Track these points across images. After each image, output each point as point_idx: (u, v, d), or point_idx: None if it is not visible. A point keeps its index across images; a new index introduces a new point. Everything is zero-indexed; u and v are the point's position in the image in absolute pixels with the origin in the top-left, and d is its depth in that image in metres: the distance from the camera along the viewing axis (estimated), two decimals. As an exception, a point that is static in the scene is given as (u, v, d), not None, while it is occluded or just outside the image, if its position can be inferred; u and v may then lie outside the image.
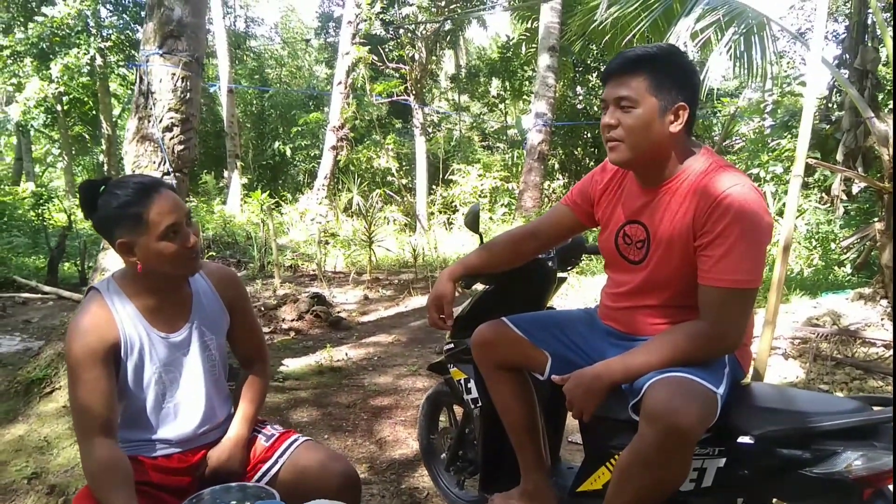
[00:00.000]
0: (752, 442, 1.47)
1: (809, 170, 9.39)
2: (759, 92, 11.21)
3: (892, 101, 6.73)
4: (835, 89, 10.38)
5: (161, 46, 3.69)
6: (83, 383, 1.50)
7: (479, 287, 2.31)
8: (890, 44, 4.30)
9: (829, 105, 10.78)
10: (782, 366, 4.19)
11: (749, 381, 1.75)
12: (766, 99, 10.92)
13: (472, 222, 2.24)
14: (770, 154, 9.16)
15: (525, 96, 17.68)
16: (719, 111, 14.22)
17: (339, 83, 13.05)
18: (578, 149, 17.14)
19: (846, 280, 7.14)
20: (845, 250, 7.73)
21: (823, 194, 9.63)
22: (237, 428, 1.74)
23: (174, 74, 3.70)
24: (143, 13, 3.80)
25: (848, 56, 7.64)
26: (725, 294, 1.50)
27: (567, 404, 1.63)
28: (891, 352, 3.94)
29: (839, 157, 8.79)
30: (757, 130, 11.03)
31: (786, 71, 14.45)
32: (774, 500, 1.56)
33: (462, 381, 2.25)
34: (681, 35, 5.13)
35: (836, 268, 7.76)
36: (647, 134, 1.56)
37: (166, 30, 3.68)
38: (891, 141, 4.00)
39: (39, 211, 7.93)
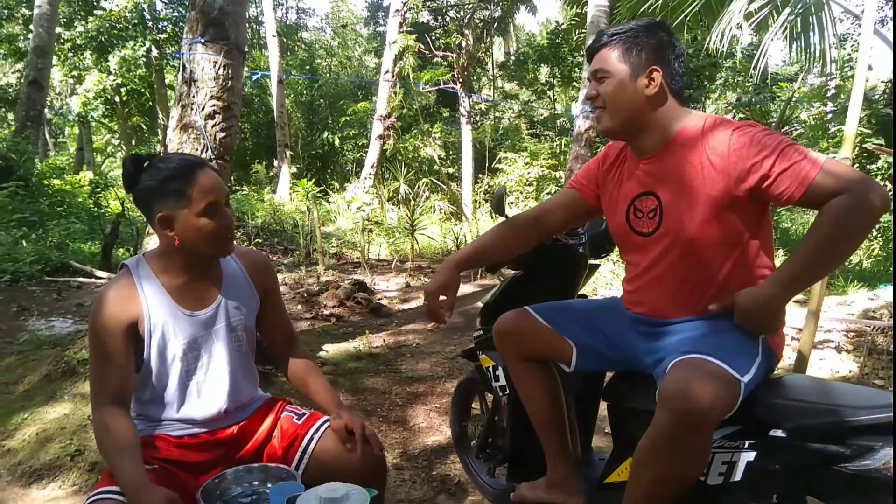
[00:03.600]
0: (784, 435, 1.39)
1: (872, 157, 8.97)
2: (821, 77, 10.75)
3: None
4: (893, 73, 9.88)
5: (203, 35, 3.73)
6: (100, 354, 1.55)
7: (509, 273, 2.27)
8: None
9: (895, 88, 10.26)
10: (835, 359, 4.02)
11: (790, 373, 1.67)
12: (828, 83, 10.47)
13: (499, 206, 2.20)
14: (830, 141, 8.78)
15: (574, 83, 17.39)
16: (778, 96, 13.71)
17: (387, 72, 13.10)
18: (629, 136, 16.76)
19: (908, 272, 6.80)
20: (908, 241, 7.38)
21: (887, 182, 9.20)
22: (337, 406, 1.76)
23: (216, 62, 3.74)
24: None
25: (915, 36, 7.23)
26: (823, 174, 1.40)
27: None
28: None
29: (904, 142, 8.37)
30: (817, 116, 10.58)
31: (850, 54, 13.82)
32: (808, 496, 1.48)
33: (490, 369, 2.22)
34: (734, 16, 4.94)
35: (897, 259, 7.40)
36: (623, 98, 1.63)
37: (208, 18, 3.72)
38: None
39: (96, 198, 8.20)
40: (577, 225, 2.11)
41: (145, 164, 1.61)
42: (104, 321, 1.55)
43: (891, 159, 8.37)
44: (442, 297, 1.87)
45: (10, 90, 18.69)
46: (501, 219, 2.20)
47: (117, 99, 16.61)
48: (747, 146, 1.47)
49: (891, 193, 7.72)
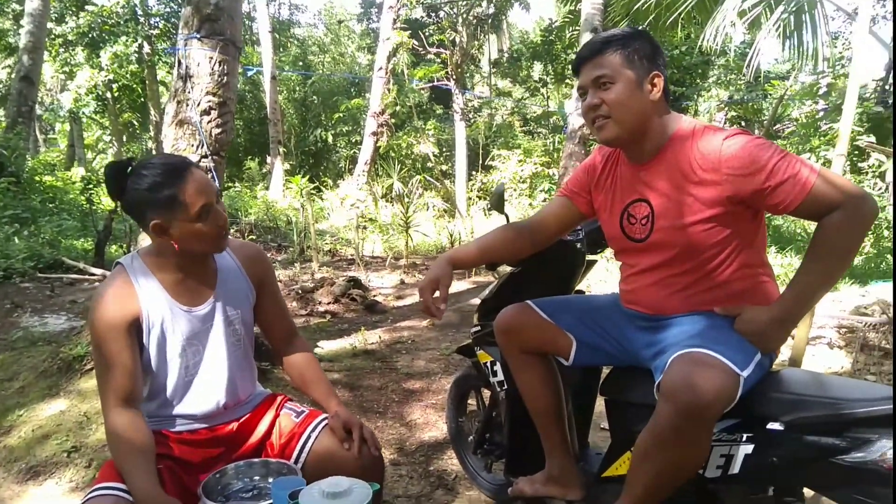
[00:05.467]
0: (782, 428, 1.41)
1: (863, 154, 9.03)
2: (813, 75, 10.80)
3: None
4: (892, 70, 9.94)
5: (199, 30, 3.72)
6: (105, 355, 1.53)
7: (506, 269, 2.28)
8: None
9: (886, 87, 10.34)
10: (827, 355, 4.06)
11: (785, 368, 1.68)
12: (820, 82, 10.51)
13: (497, 203, 2.20)
14: (821, 139, 8.83)
15: (568, 80, 17.43)
16: (770, 94, 13.78)
17: (380, 69, 13.09)
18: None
19: (899, 269, 6.84)
20: (899, 238, 7.42)
21: (878, 180, 9.27)
22: (336, 405, 1.77)
23: (211, 58, 3.73)
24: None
25: (906, 34, 7.28)
26: (818, 187, 1.42)
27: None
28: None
29: None
30: (809, 115, 10.63)
31: (841, 53, 13.89)
32: (805, 488, 1.50)
33: (488, 364, 2.23)
34: (728, 13, 4.96)
35: (888, 255, 7.46)
36: (631, 106, 1.59)
37: (204, 13, 3.70)
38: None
39: (88, 195, 8.14)
40: (573, 228, 2.12)
41: (128, 169, 1.57)
42: (105, 322, 1.52)
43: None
44: (436, 293, 1.85)
45: (1, 86, 18.57)
46: (500, 217, 2.21)
47: (109, 95, 16.51)
48: (741, 157, 1.47)
49: (891, 193, 7.78)
